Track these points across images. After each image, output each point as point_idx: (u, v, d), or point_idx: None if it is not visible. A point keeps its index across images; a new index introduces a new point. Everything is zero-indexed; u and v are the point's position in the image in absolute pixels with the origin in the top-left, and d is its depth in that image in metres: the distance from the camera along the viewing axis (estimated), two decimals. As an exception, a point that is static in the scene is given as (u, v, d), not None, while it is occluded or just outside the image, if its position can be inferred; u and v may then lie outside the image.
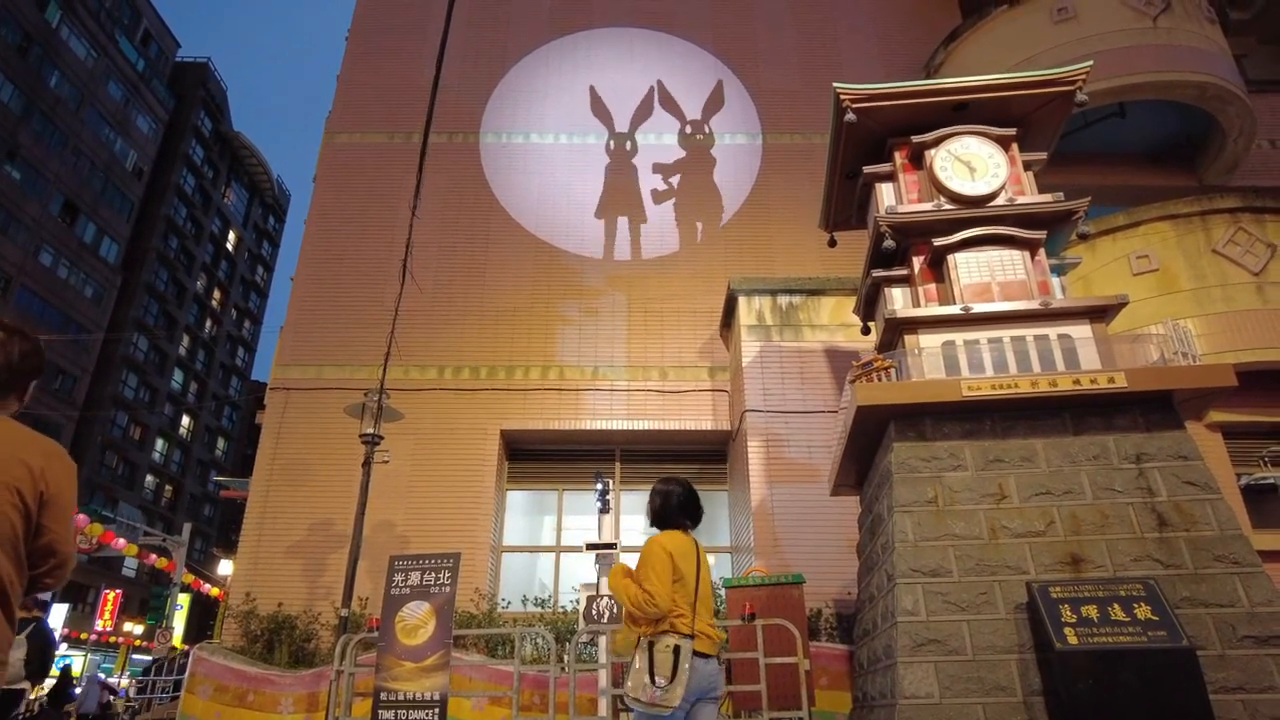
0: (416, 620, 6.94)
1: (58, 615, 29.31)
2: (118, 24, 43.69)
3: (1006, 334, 6.65)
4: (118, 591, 33.45)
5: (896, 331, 7.03)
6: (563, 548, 11.43)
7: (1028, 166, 7.49)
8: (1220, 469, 9.10)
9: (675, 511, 3.58)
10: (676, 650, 3.21)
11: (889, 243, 7.28)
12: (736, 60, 14.63)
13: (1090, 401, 6.16)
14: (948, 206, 7.21)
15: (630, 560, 3.85)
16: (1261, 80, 14.19)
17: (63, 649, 30.85)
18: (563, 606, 10.29)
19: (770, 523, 9.57)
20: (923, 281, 7.20)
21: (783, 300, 10.84)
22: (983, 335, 6.69)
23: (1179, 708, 4.66)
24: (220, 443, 54.69)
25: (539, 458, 11.98)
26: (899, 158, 7.69)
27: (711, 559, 11.67)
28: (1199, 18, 12.37)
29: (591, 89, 14.27)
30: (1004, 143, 7.45)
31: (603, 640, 7.44)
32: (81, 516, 15.88)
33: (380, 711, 6.68)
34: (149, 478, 45.06)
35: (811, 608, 8.32)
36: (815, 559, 9.10)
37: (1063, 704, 4.84)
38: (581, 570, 10.81)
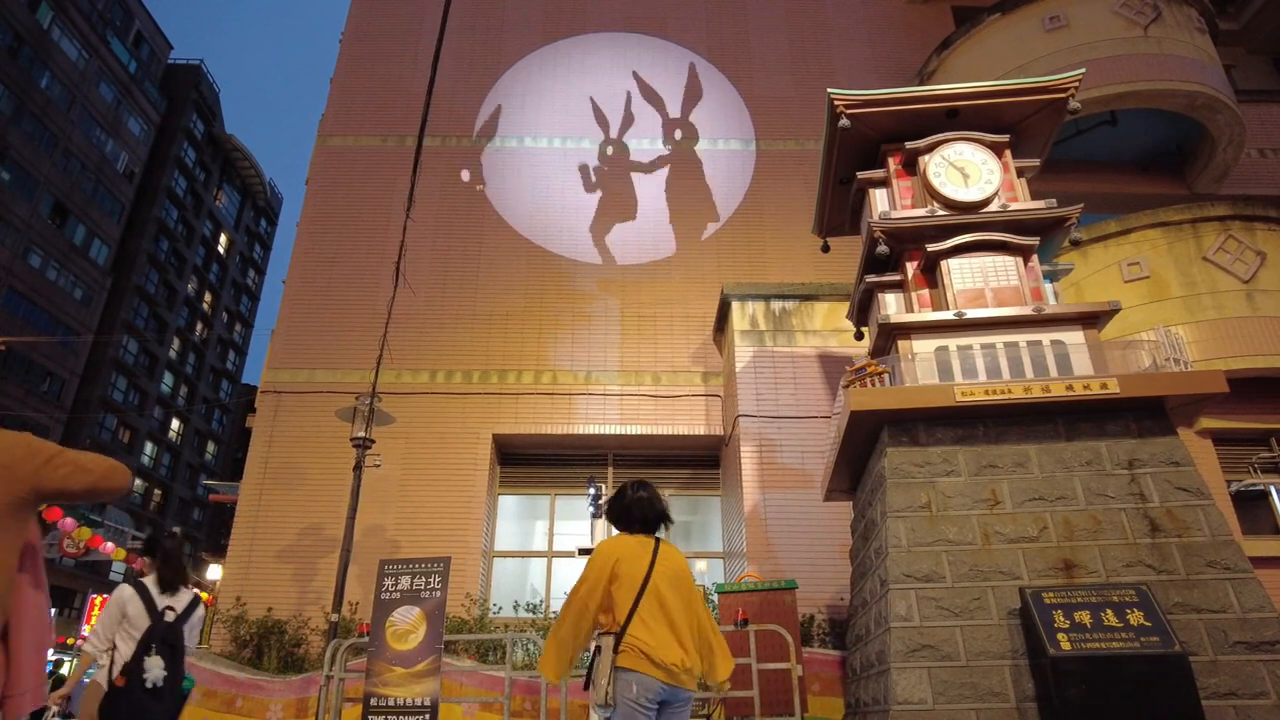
0: (407, 625, 6.89)
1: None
2: (109, 25, 43.46)
3: (1000, 340, 6.66)
4: (105, 596, 33.19)
5: (890, 337, 7.04)
6: (555, 553, 11.39)
7: (1021, 173, 7.52)
8: (1211, 475, 9.14)
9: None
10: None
11: (882, 248, 7.29)
12: (730, 66, 14.65)
13: (1083, 407, 6.18)
14: (941, 212, 7.24)
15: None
16: (1250, 90, 14.33)
17: (50, 654, 30.51)
18: (554, 612, 10.24)
19: (763, 528, 9.56)
20: (916, 287, 7.21)
21: (776, 306, 10.85)
22: (976, 341, 6.70)
23: (1171, 713, 4.67)
24: (210, 446, 54.33)
25: (531, 462, 11.94)
26: (892, 164, 7.71)
27: (704, 564, 11.64)
28: (1189, 28, 12.47)
29: (591, 99, 14.28)
30: (997, 149, 7.48)
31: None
32: (68, 520, 15.73)
33: (370, 717, 6.63)
34: (137, 481, 44.71)
35: (804, 613, 8.31)
36: (808, 564, 9.10)
37: (1055, 710, 4.84)
38: (574, 575, 10.74)
